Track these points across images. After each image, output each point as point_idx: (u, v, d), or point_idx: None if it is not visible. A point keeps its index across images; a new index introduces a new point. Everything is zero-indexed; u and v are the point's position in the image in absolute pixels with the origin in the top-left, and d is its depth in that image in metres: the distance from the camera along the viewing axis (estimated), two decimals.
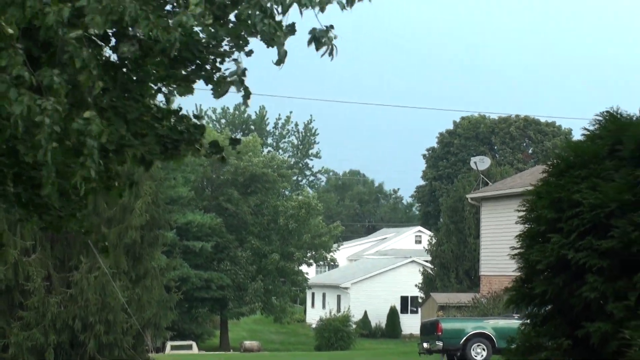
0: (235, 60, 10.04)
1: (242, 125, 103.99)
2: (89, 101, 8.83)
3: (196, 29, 9.77)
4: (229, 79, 10.06)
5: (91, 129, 8.66)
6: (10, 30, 8.27)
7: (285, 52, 9.64)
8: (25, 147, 9.38)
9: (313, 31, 9.66)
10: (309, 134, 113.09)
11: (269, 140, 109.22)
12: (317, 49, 9.67)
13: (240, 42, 9.97)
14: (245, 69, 9.98)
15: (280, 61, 9.65)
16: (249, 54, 10.07)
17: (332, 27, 9.65)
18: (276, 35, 9.51)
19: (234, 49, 10.07)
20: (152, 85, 10.54)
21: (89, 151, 8.69)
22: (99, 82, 8.79)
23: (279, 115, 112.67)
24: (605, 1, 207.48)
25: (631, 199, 8.62)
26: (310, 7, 9.38)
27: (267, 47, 9.87)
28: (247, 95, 10.13)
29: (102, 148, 9.47)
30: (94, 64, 8.62)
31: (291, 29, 9.62)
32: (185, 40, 9.52)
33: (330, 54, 9.66)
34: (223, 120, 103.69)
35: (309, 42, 9.69)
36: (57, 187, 10.91)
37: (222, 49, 10.23)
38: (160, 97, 11.13)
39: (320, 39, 9.61)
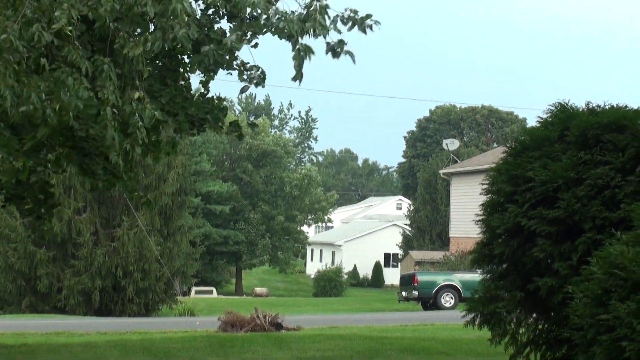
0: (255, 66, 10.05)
1: (253, 110, 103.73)
2: (137, 84, 8.77)
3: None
4: (249, 73, 10.05)
5: (141, 108, 8.62)
6: (70, 28, 8.22)
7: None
8: (79, 124, 9.36)
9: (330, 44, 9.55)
10: (309, 121, 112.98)
11: (275, 123, 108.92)
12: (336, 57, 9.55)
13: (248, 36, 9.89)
14: (264, 72, 9.89)
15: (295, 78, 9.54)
16: (255, 46, 10.00)
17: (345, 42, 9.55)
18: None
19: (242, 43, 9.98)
20: (183, 72, 10.58)
21: (135, 127, 8.65)
22: (146, 68, 8.74)
23: (281, 103, 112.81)
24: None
25: (575, 177, 8.62)
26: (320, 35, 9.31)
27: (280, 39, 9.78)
28: (263, 79, 10.14)
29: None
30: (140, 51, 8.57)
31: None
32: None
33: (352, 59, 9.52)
34: (238, 107, 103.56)
35: (327, 52, 9.57)
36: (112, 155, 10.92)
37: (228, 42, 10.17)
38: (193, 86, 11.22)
39: (335, 49, 9.52)
